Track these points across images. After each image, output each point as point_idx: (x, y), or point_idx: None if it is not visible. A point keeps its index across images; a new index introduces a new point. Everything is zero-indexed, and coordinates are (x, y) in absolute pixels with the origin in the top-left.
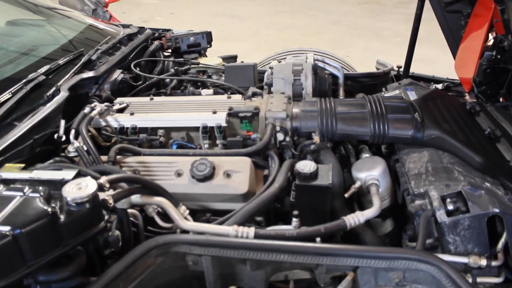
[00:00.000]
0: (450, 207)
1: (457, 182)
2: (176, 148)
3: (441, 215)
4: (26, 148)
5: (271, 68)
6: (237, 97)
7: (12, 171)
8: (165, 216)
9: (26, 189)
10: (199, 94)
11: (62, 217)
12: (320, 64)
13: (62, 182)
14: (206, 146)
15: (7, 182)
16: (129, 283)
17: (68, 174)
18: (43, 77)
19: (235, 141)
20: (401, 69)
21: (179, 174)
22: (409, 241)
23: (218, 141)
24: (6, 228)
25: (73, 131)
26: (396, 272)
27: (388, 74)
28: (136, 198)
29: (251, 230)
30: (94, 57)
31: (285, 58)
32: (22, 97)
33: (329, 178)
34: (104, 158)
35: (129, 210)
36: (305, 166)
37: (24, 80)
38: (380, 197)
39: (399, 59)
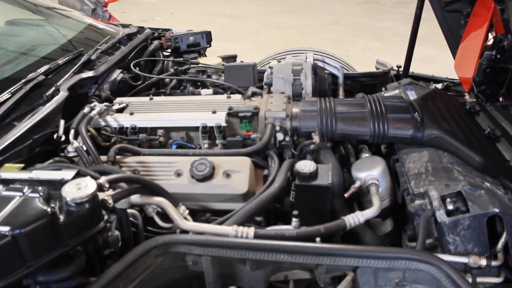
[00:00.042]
0: (450, 207)
1: (457, 182)
2: (176, 148)
3: (441, 215)
4: (25, 148)
5: (270, 68)
6: (237, 97)
7: (12, 171)
8: (164, 216)
9: (26, 189)
10: (199, 94)
11: (61, 217)
12: (320, 63)
13: (62, 182)
14: (205, 146)
15: (6, 182)
16: (129, 283)
17: (67, 174)
18: (42, 77)
19: (235, 141)
20: (401, 69)
21: (178, 174)
22: (409, 241)
23: (217, 141)
24: (5, 229)
25: (72, 131)
26: (396, 272)
27: (387, 74)
28: (135, 198)
29: (250, 230)
30: (93, 57)
31: (285, 57)
32: (21, 97)
33: (328, 178)
34: (103, 158)
35: (129, 210)
36: (305, 166)
37: (23, 80)
38: (380, 197)
39: (399, 58)
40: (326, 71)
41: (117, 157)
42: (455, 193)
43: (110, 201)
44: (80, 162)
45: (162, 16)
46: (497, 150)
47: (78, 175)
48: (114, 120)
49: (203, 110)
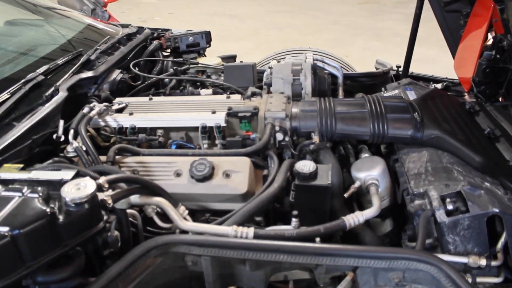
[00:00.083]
0: (450, 207)
1: (457, 182)
2: (175, 148)
3: (440, 215)
4: (24, 148)
5: (270, 68)
6: (236, 97)
7: (11, 172)
8: (164, 216)
9: (25, 189)
10: (198, 94)
11: (61, 218)
12: (320, 63)
13: (61, 183)
14: (205, 146)
15: (5, 183)
16: (128, 283)
17: (67, 174)
18: (42, 77)
19: (234, 141)
20: (401, 69)
21: (178, 174)
22: (409, 241)
23: (217, 141)
24: (4, 229)
25: (72, 131)
26: (395, 272)
27: (387, 74)
28: (135, 198)
29: (250, 230)
30: (93, 57)
31: (285, 58)
32: (20, 97)
33: (328, 178)
34: (103, 158)
35: (128, 211)
36: (305, 166)
37: (22, 80)
38: (379, 197)
39: (399, 58)
40: (325, 71)
41: (117, 157)
42: (454, 193)
43: (110, 201)
44: (80, 162)
45: (162, 16)
46: (497, 150)
47: (77, 175)
48: (114, 120)
49: (202, 110)
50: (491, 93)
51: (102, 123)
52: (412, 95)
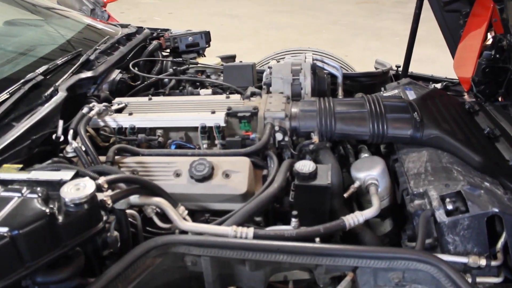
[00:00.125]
0: (450, 207)
1: (457, 181)
2: (175, 148)
3: (440, 215)
4: (24, 149)
5: (270, 67)
6: (236, 97)
7: (10, 172)
8: (163, 216)
9: (24, 190)
10: (198, 94)
11: (60, 218)
12: (319, 63)
13: (60, 183)
14: (205, 146)
15: (5, 183)
16: (128, 284)
17: (66, 174)
18: (41, 77)
19: (234, 141)
20: (400, 69)
21: (177, 175)
22: (409, 241)
23: (217, 141)
24: (4, 229)
25: (71, 132)
26: (395, 272)
27: (387, 74)
28: (134, 198)
29: (250, 231)
30: (92, 57)
31: (284, 57)
32: (20, 97)
33: (328, 178)
34: (102, 158)
35: (128, 211)
36: (304, 166)
37: (22, 80)
38: (379, 197)
39: (398, 58)
40: (325, 71)
41: (116, 157)
42: (454, 193)
43: (109, 201)
44: (79, 163)
45: (161, 16)
46: (497, 150)
47: (77, 175)
48: (113, 120)
49: (202, 110)
50: (491, 93)
51: (102, 123)
52: (411, 95)
